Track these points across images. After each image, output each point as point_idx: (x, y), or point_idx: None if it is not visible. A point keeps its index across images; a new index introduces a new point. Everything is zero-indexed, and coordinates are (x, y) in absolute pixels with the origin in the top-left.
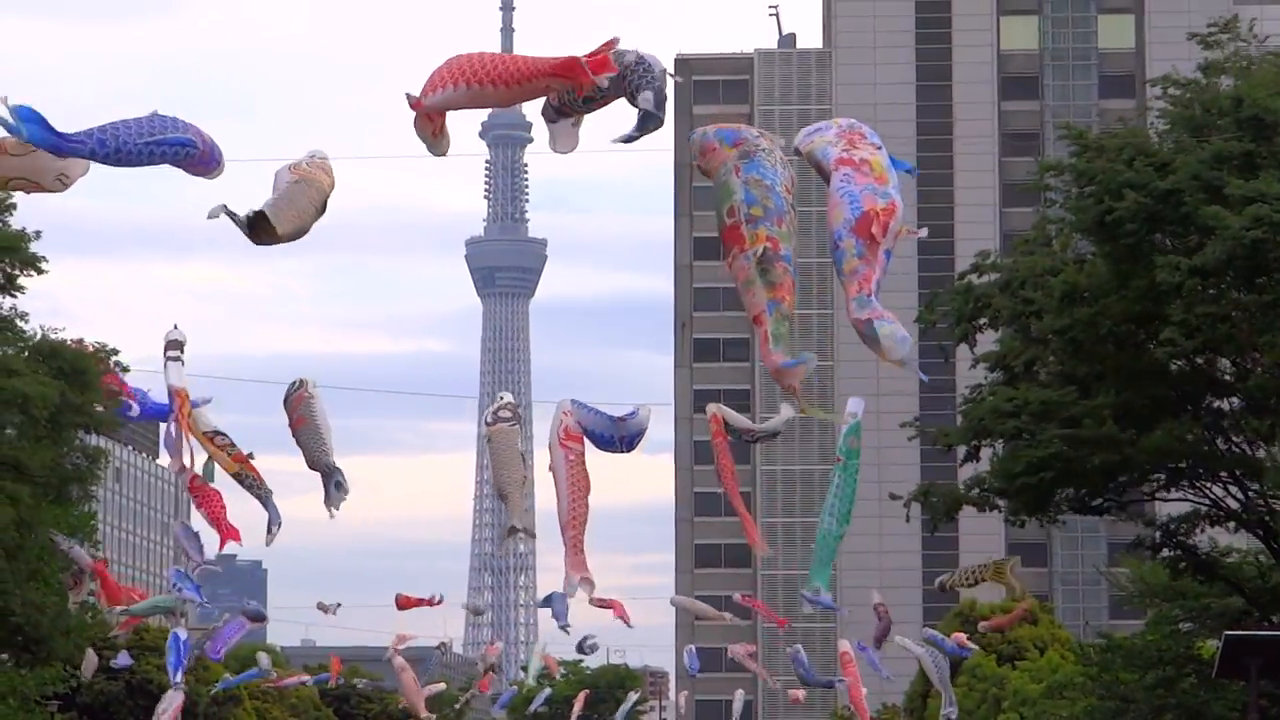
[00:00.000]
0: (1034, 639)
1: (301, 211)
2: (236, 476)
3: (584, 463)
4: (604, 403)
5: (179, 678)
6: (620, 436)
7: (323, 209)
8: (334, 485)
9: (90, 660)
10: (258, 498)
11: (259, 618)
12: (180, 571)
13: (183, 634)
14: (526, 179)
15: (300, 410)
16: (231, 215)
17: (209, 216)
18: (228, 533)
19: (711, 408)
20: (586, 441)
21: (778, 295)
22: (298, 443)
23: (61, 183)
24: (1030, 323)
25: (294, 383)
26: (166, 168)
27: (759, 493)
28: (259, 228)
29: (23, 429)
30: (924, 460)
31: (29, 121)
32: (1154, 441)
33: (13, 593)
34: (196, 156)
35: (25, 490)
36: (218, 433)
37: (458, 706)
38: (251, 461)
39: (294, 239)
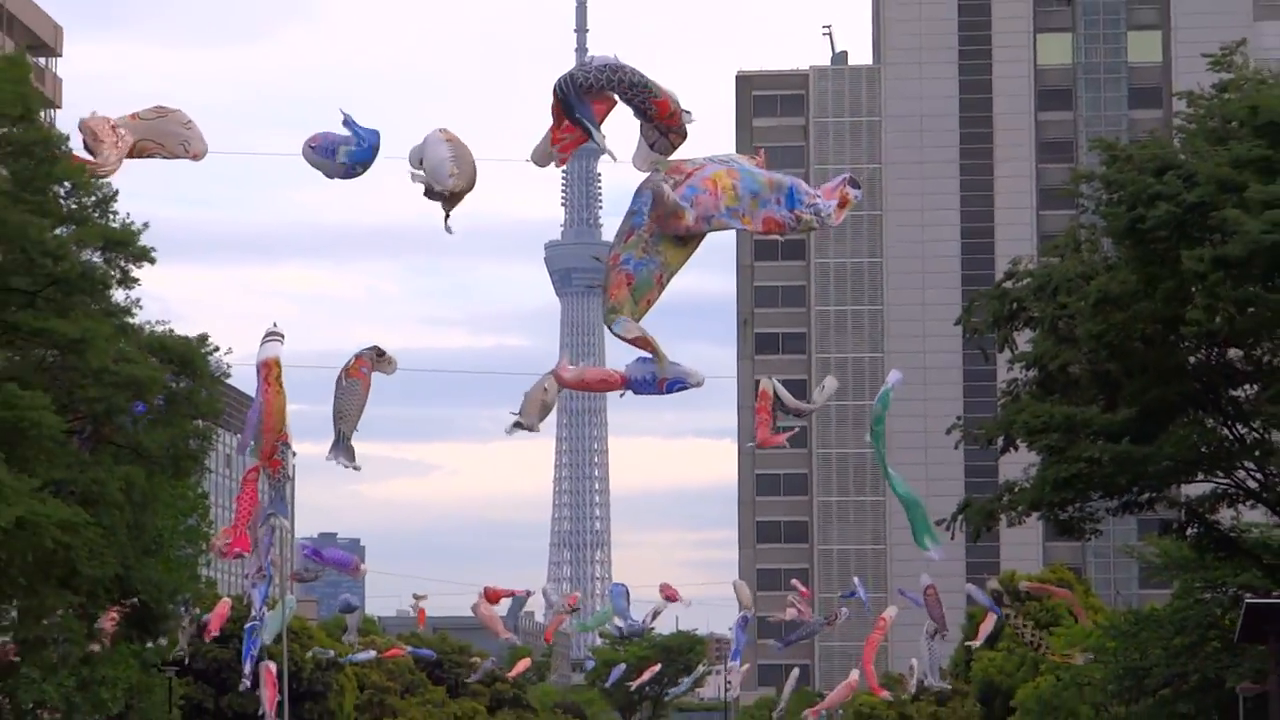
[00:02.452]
0: (1069, 607)
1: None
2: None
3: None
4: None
5: (247, 668)
6: (660, 380)
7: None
8: (342, 445)
9: (187, 630)
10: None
11: (349, 609)
12: (270, 563)
13: (261, 633)
14: (600, 187)
15: (367, 377)
16: None
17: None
18: (238, 541)
19: (764, 383)
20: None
21: (609, 294)
22: (343, 398)
23: (185, 149)
24: (1062, 325)
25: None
26: (260, 179)
27: (814, 474)
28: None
29: (137, 417)
30: (967, 459)
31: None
32: (1169, 442)
33: (135, 570)
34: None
35: (141, 473)
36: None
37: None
38: (278, 459)
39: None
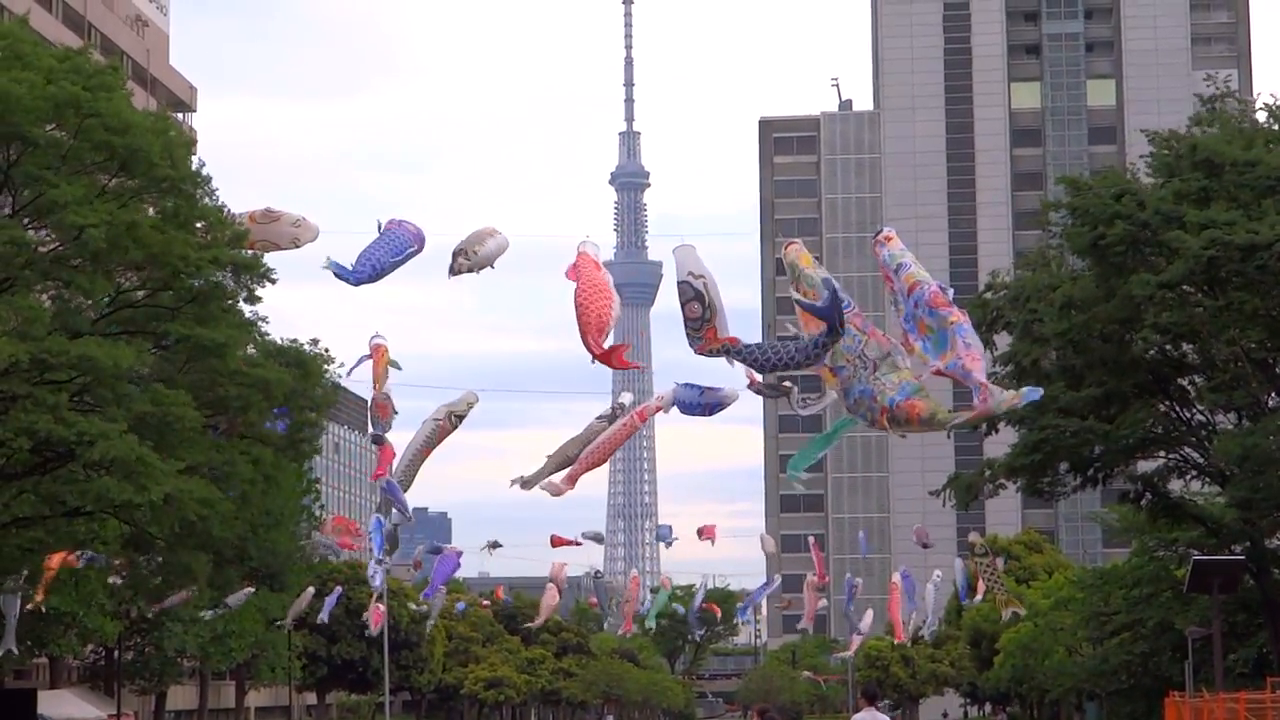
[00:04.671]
0: (1044, 565)
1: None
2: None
3: (629, 430)
4: (705, 384)
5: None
6: (704, 404)
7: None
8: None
9: (305, 596)
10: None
11: (435, 550)
12: (379, 520)
13: (379, 574)
14: (646, 215)
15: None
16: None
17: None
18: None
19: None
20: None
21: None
22: (411, 466)
23: (295, 244)
24: (1034, 327)
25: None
26: (360, 211)
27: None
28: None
29: (262, 409)
30: (957, 440)
31: (339, 274)
32: (1125, 422)
33: (250, 537)
34: (417, 252)
35: (268, 452)
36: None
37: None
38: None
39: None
